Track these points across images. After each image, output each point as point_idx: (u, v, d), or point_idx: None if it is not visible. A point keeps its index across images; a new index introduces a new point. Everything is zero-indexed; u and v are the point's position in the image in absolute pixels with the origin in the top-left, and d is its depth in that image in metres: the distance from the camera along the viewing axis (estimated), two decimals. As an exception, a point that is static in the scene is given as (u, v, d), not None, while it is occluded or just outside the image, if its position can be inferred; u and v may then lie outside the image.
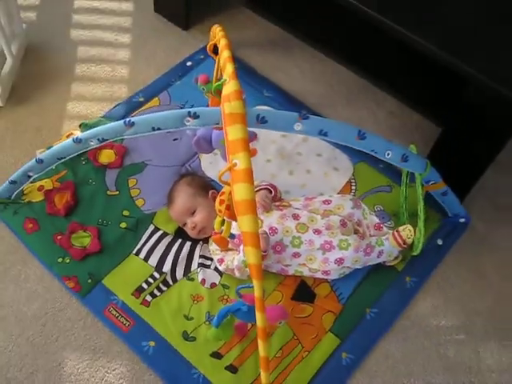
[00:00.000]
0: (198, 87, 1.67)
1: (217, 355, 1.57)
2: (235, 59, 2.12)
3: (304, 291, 1.69)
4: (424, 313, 1.69)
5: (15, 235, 1.74)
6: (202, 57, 2.17)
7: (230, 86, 1.38)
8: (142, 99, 2.05)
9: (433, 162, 1.65)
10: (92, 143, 1.50)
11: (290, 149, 1.96)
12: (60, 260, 1.69)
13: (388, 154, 1.47)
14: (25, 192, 1.79)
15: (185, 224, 1.73)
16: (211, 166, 1.91)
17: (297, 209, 1.72)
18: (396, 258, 1.73)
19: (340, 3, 1.64)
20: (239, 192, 1.24)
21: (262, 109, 1.42)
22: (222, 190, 1.36)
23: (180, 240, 1.75)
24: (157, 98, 2.06)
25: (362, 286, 1.70)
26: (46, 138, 1.93)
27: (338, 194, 1.85)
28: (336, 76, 2.17)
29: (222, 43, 1.57)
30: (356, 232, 1.72)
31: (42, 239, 1.73)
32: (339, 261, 1.63)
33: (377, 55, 1.93)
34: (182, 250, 1.74)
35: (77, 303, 1.64)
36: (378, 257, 1.68)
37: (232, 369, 1.55)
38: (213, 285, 1.68)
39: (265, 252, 1.61)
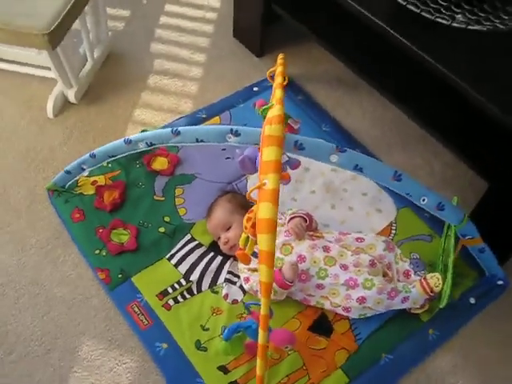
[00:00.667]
0: (255, 111, 1.77)
1: (224, 369, 1.59)
2: (301, 91, 2.20)
3: (322, 324, 1.69)
4: (442, 369, 1.64)
5: (62, 221, 1.86)
6: (269, 84, 2.23)
7: (274, 110, 1.45)
8: (204, 116, 2.14)
9: (477, 217, 1.63)
10: (141, 146, 1.59)
11: (337, 184, 1.98)
12: (97, 252, 1.78)
13: (423, 200, 1.46)
14: (79, 184, 1.92)
15: (219, 238, 1.78)
16: (257, 188, 1.95)
17: (329, 241, 1.73)
18: (422, 306, 1.68)
19: (408, 53, 1.67)
20: (263, 211, 1.29)
21: (302, 138, 1.45)
22: (252, 208, 1.40)
23: (212, 253, 1.80)
24: (218, 117, 2.15)
25: (382, 330, 1.67)
26: (110, 139, 2.03)
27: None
28: (396, 122, 2.18)
29: (278, 70, 1.64)
30: (385, 275, 1.70)
31: (85, 229, 1.83)
32: (361, 299, 1.62)
33: (438, 107, 1.92)
34: (212, 262, 1.78)
35: (103, 295, 1.72)
36: (403, 302, 1.64)
37: (236, 386, 1.57)
38: (234, 301, 1.71)
39: (291, 283, 1.62)
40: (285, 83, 1.78)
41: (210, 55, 2.39)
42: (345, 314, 1.67)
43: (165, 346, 1.62)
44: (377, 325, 1.68)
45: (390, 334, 1.67)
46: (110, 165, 1.96)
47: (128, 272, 1.75)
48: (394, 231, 1.88)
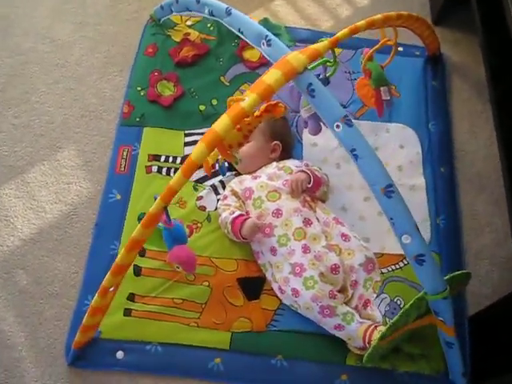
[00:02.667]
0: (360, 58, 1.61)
1: (141, 252, 1.52)
2: (442, 79, 1.86)
3: (254, 285, 1.53)
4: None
5: (137, 49, 1.88)
6: (417, 53, 1.92)
7: (318, 45, 1.30)
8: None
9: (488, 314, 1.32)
10: (205, 11, 1.51)
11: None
12: (139, 88, 1.80)
13: (406, 239, 1.17)
14: (175, 28, 1.91)
15: (234, 145, 1.68)
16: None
17: (316, 218, 1.52)
18: (360, 349, 1.41)
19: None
20: (220, 122, 1.18)
21: (319, 85, 1.22)
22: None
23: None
24: (340, 49, 1.91)
25: (300, 337, 1.47)
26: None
27: (379, 253, 1.56)
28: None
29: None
30: (342, 290, 1.46)
31: (146, 65, 1.85)
32: (294, 292, 1.42)
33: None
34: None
35: (113, 125, 1.76)
36: (335, 329, 1.40)
37: (138, 271, 1.51)
38: (202, 207, 1.63)
39: (245, 239, 1.51)
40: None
41: (389, -2, 2.11)
42: (278, 293, 1.50)
43: (118, 196, 1.63)
44: (301, 328, 1.47)
45: (303, 346, 1.47)
46: (211, 28, 1.91)
47: (146, 121, 1.75)
48: (401, 264, 1.57)
